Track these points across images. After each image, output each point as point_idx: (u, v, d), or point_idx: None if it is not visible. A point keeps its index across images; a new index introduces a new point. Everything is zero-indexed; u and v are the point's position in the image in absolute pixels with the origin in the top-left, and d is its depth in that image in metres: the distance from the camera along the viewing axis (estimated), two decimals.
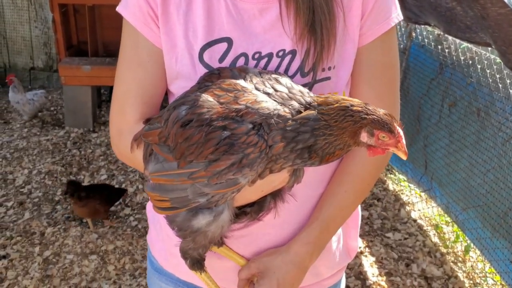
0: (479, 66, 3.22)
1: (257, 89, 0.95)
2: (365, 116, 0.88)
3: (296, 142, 0.90)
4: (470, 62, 3.33)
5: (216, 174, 0.91)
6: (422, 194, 4.17)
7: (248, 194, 1.03)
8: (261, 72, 1.01)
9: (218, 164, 0.90)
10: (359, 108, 0.88)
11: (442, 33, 3.47)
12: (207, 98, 0.93)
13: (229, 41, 1.08)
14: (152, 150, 1.04)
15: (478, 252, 3.52)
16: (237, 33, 1.08)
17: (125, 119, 1.16)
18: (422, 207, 4.09)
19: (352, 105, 0.89)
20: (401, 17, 1.15)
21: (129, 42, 1.15)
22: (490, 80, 3.09)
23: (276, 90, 0.95)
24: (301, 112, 0.92)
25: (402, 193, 4.35)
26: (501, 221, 2.94)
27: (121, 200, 3.79)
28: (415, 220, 3.96)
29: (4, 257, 3.23)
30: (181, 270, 1.27)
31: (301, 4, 1.04)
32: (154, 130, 1.01)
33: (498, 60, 2.99)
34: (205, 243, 1.06)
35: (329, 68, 1.09)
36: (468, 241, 3.52)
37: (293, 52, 1.08)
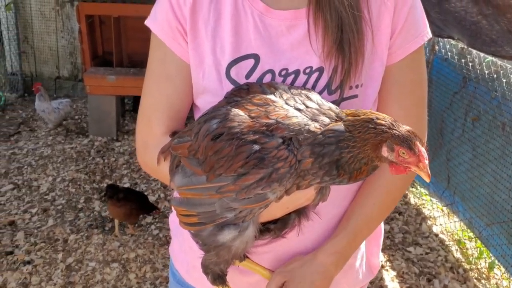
0: (504, 80, 3.19)
1: (287, 104, 0.95)
2: (387, 130, 0.88)
3: (322, 156, 0.90)
4: (495, 76, 3.29)
5: (244, 188, 0.91)
6: (444, 208, 4.11)
7: (273, 210, 1.04)
8: (291, 87, 1.01)
9: (247, 178, 0.91)
10: (383, 122, 0.89)
11: (466, 46, 3.45)
12: (238, 112, 0.94)
13: (256, 57, 1.09)
14: (179, 162, 1.05)
15: (503, 269, 3.45)
16: (264, 50, 1.09)
17: (151, 132, 1.18)
18: (444, 222, 4.04)
19: (377, 118, 0.89)
20: (430, 35, 1.15)
21: (157, 56, 1.17)
22: None
23: (307, 106, 0.95)
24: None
25: (423, 207, 4.30)
26: None
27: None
28: (437, 235, 3.91)
29: (28, 262, 3.28)
30: (203, 284, 1.26)
31: (330, 23, 1.04)
32: (184, 143, 1.02)
33: None
34: (228, 258, 1.06)
35: (357, 86, 1.09)
36: (492, 258, 3.46)
37: (320, 70, 1.08)
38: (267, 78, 1.09)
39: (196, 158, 0.98)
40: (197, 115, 1.22)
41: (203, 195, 0.98)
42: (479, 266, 3.57)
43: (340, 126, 0.91)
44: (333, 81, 1.07)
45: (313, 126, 0.91)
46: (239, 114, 0.93)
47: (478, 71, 3.45)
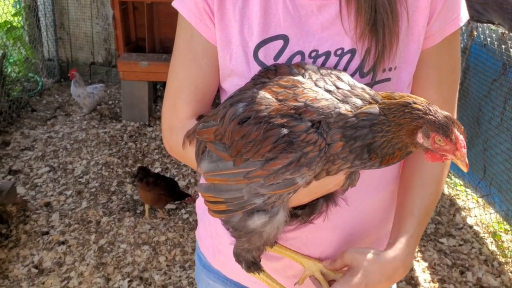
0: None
1: (317, 86, 0.92)
2: (423, 115, 0.83)
3: (354, 139, 0.87)
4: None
5: (273, 173, 0.89)
6: (480, 199, 4.00)
7: (302, 196, 1.01)
8: (320, 68, 0.98)
9: (275, 163, 0.88)
10: (419, 106, 0.84)
11: (507, 31, 3.31)
12: (265, 95, 0.91)
13: (285, 38, 1.06)
14: (205, 147, 1.03)
15: None
16: (293, 30, 1.06)
17: (177, 115, 1.16)
18: (479, 213, 3.93)
19: (414, 102, 0.85)
20: (467, 16, 1.10)
21: (183, 37, 1.15)
22: None
23: (338, 88, 0.91)
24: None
25: (458, 198, 4.20)
26: None
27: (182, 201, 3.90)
28: (471, 227, 3.81)
29: (63, 243, 3.38)
30: (229, 268, 1.28)
31: (363, 2, 1.00)
32: (210, 128, 1.00)
33: None
34: (260, 245, 1.04)
35: (390, 69, 1.05)
36: None
37: (352, 51, 1.05)
38: (297, 59, 1.06)
39: (222, 142, 0.96)
40: (223, 99, 1.19)
41: (230, 181, 0.96)
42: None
43: (374, 108, 0.87)
44: (366, 63, 1.04)
45: (344, 109, 0.87)
46: (266, 97, 0.90)
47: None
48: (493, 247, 3.57)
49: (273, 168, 0.89)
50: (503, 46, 3.56)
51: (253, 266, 1.09)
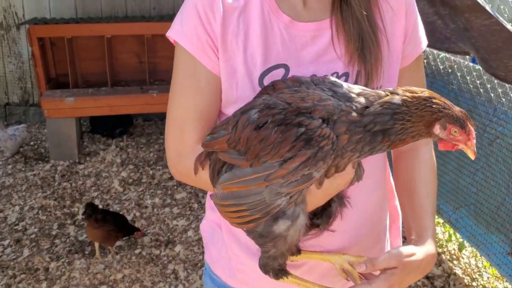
0: (458, 74, 3.45)
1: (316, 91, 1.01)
2: (443, 109, 0.96)
3: (374, 124, 0.95)
4: (450, 70, 3.55)
5: (292, 171, 0.95)
6: None
7: (318, 198, 1.09)
8: (314, 79, 1.08)
9: (294, 161, 0.94)
10: (439, 101, 0.96)
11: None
12: (276, 101, 0.99)
13: (285, 67, 1.17)
14: (221, 168, 1.07)
15: (469, 249, 3.71)
16: (292, 60, 1.18)
17: (184, 141, 1.22)
18: None
19: (434, 98, 0.97)
20: (426, 41, 1.31)
21: (185, 69, 1.21)
22: (471, 86, 3.31)
23: (335, 92, 1.01)
24: (367, 108, 0.97)
25: None
26: (494, 216, 3.13)
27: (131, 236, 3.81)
28: None
29: None
30: (251, 284, 1.33)
31: (352, 31, 1.16)
32: (221, 138, 1.04)
33: (477, 67, 3.22)
34: (284, 250, 1.10)
35: (378, 88, 1.19)
36: (461, 239, 3.71)
37: (346, 74, 1.20)
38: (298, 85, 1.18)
39: (236, 150, 1.01)
40: None
41: (250, 186, 1.00)
42: (449, 249, 3.81)
43: (397, 99, 0.97)
44: (358, 84, 1.18)
45: (344, 105, 0.97)
46: (278, 102, 0.98)
47: (434, 66, 3.70)
48: None
49: (292, 166, 0.94)
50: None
51: (280, 272, 1.15)
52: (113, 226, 3.52)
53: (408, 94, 0.98)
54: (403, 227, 1.37)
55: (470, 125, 0.97)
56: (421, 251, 1.14)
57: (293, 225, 1.05)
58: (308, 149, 0.93)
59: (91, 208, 3.55)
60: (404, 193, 1.33)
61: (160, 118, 5.97)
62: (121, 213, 4.10)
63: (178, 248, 3.71)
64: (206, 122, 1.22)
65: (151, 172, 4.86)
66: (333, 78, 1.07)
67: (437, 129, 0.98)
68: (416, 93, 0.98)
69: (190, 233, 3.90)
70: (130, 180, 4.72)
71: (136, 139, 5.62)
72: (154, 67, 5.52)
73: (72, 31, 5.03)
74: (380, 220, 1.39)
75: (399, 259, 1.10)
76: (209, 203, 1.42)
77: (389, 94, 0.99)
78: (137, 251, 3.68)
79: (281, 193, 0.98)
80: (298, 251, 1.20)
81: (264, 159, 0.96)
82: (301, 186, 0.98)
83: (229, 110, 1.21)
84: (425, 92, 0.98)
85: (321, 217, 1.19)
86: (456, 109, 0.97)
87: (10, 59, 5.88)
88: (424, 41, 1.30)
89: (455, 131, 0.97)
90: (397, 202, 1.46)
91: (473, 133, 0.97)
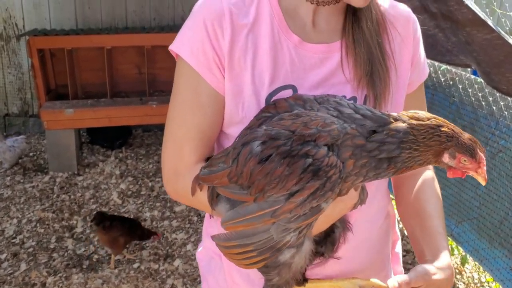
0: (460, 86, 3.42)
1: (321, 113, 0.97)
2: (451, 139, 0.92)
3: (379, 151, 0.92)
4: (451, 82, 3.52)
5: (299, 204, 0.90)
6: None
7: (321, 223, 1.05)
8: (317, 98, 1.04)
9: (302, 193, 0.89)
10: (447, 130, 0.93)
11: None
12: (278, 130, 0.93)
13: (293, 88, 1.14)
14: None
15: (472, 263, 3.66)
16: (300, 81, 1.15)
17: (183, 161, 1.17)
18: None
19: (441, 126, 0.93)
20: (428, 69, 1.32)
21: (188, 85, 1.16)
22: (473, 99, 3.28)
23: (341, 112, 0.97)
24: (374, 132, 0.93)
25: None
26: (497, 231, 3.09)
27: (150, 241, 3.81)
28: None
29: None
30: None
31: (362, 56, 1.14)
32: (220, 172, 0.99)
33: (479, 79, 3.19)
34: (288, 278, 1.06)
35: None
36: (463, 253, 3.66)
37: (353, 98, 1.17)
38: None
39: (238, 184, 0.96)
40: (225, 144, 1.23)
41: (256, 224, 0.95)
42: (452, 263, 3.76)
43: (403, 127, 0.93)
44: None
45: (350, 128, 0.93)
46: (281, 132, 0.93)
47: (435, 79, 3.67)
48: None
49: (299, 199, 0.90)
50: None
51: None
52: (121, 231, 3.51)
53: (414, 121, 0.94)
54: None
55: (480, 153, 0.94)
56: (442, 270, 1.12)
57: (298, 252, 1.01)
58: (316, 180, 0.89)
59: (100, 216, 3.58)
60: (412, 216, 1.30)
61: (159, 128, 5.93)
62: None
63: (177, 262, 3.66)
64: (206, 142, 1.19)
65: (150, 184, 4.82)
66: (338, 97, 1.04)
67: (446, 158, 0.95)
68: (423, 120, 0.94)
69: (189, 246, 3.86)
70: (129, 192, 4.68)
71: (135, 150, 5.59)
72: (154, 78, 5.50)
73: (72, 42, 5.02)
74: (385, 245, 1.36)
75: (426, 278, 1.07)
76: (206, 229, 1.38)
77: (393, 120, 0.95)
78: (135, 266, 3.63)
79: (289, 229, 0.94)
80: (305, 280, 1.15)
81: (269, 193, 0.92)
82: (309, 219, 0.94)
83: (232, 130, 1.18)
84: (432, 120, 0.94)
85: (325, 244, 1.15)
86: (465, 136, 0.94)
87: (10, 70, 5.86)
88: (427, 68, 1.31)
89: (465, 160, 0.94)
90: (396, 227, 1.43)
91: (484, 160, 0.94)
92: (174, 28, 5.58)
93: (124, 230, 3.52)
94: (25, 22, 5.65)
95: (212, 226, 1.31)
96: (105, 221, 3.52)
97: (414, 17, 1.29)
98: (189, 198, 1.15)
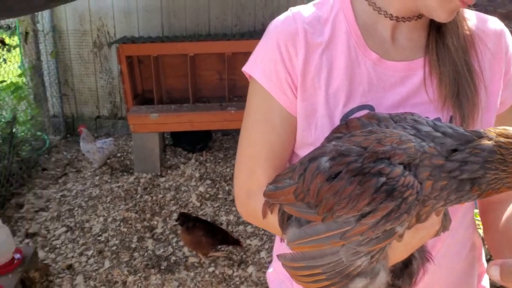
0: None
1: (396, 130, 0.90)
2: None
3: (461, 171, 0.82)
4: None
5: (372, 227, 0.84)
6: None
7: (399, 252, 0.98)
8: (393, 116, 0.96)
9: (374, 215, 0.82)
10: None
11: None
12: (349, 146, 0.87)
13: (371, 108, 1.08)
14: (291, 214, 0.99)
15: None
16: (378, 101, 1.08)
17: (255, 181, 1.16)
18: None
19: None
20: None
21: (260, 106, 1.15)
22: None
23: (418, 130, 0.89)
24: (456, 150, 0.84)
25: None
26: None
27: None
28: None
29: None
30: None
31: (447, 75, 1.05)
32: (286, 189, 0.95)
33: None
34: None
35: None
36: None
37: (437, 119, 1.08)
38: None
39: (305, 202, 0.91)
40: None
41: (324, 246, 0.89)
42: None
43: (489, 145, 0.83)
44: None
45: (428, 147, 0.85)
46: (351, 147, 0.87)
47: None
48: None
49: (372, 221, 0.83)
50: None
51: None
52: (203, 231, 3.64)
53: (502, 139, 0.83)
54: None
55: None
56: None
57: (372, 283, 0.94)
58: (390, 201, 0.81)
59: (183, 217, 3.76)
60: (504, 245, 1.17)
61: (238, 132, 5.99)
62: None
63: (250, 269, 3.69)
64: (278, 162, 1.17)
65: (227, 188, 4.90)
66: (416, 115, 0.96)
67: None
68: None
69: (262, 254, 3.87)
70: (207, 195, 4.79)
71: (214, 154, 5.72)
72: (234, 84, 5.60)
73: (158, 49, 5.24)
74: (470, 279, 1.25)
75: None
76: (276, 252, 1.36)
77: (477, 138, 0.85)
78: (210, 269, 3.70)
79: (360, 252, 0.88)
80: None
81: (338, 213, 0.85)
82: (382, 243, 0.87)
83: (304, 152, 1.14)
84: None
85: (402, 276, 1.07)
86: None
87: (102, 75, 6.24)
88: None
89: None
90: (483, 259, 1.31)
91: None
92: (254, 34, 5.64)
93: (205, 230, 3.64)
94: (116, 30, 5.99)
95: (283, 249, 1.29)
96: (188, 222, 3.69)
97: (507, 32, 1.17)
98: (260, 220, 1.13)
